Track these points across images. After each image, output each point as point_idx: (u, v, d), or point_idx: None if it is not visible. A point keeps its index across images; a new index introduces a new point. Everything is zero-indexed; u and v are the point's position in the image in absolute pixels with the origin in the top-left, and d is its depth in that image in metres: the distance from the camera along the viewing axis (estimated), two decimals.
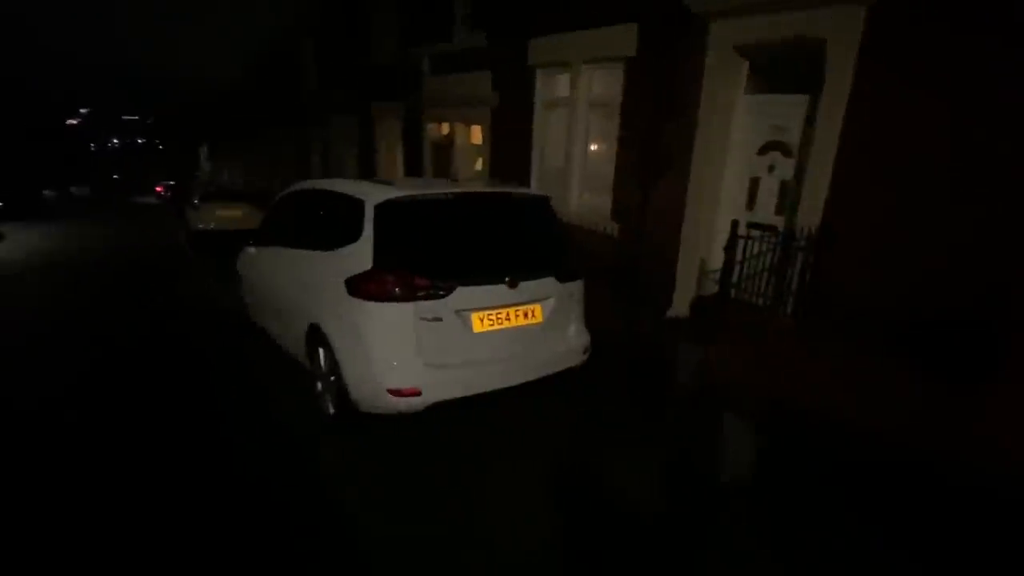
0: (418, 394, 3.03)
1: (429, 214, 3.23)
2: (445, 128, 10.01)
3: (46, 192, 26.97)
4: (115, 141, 75.79)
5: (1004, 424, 3.10)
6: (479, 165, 9.17)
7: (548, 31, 6.96)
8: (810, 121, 4.68)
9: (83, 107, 63.82)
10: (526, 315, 3.39)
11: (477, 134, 9.17)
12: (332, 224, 3.57)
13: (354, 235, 3.22)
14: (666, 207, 5.75)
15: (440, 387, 3.10)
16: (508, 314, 3.32)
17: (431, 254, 3.16)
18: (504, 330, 3.31)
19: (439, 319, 3.09)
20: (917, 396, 3.42)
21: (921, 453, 3.07)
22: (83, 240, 14.07)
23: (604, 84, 6.55)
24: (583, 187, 7.08)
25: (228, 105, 28.52)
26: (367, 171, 12.92)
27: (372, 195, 3.24)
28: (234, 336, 5.41)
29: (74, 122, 64.31)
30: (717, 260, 5.59)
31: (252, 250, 5.04)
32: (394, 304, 3.01)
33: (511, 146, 8.08)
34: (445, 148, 10.01)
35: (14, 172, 24.60)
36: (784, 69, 4.94)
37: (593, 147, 6.89)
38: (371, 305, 3.04)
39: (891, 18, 3.91)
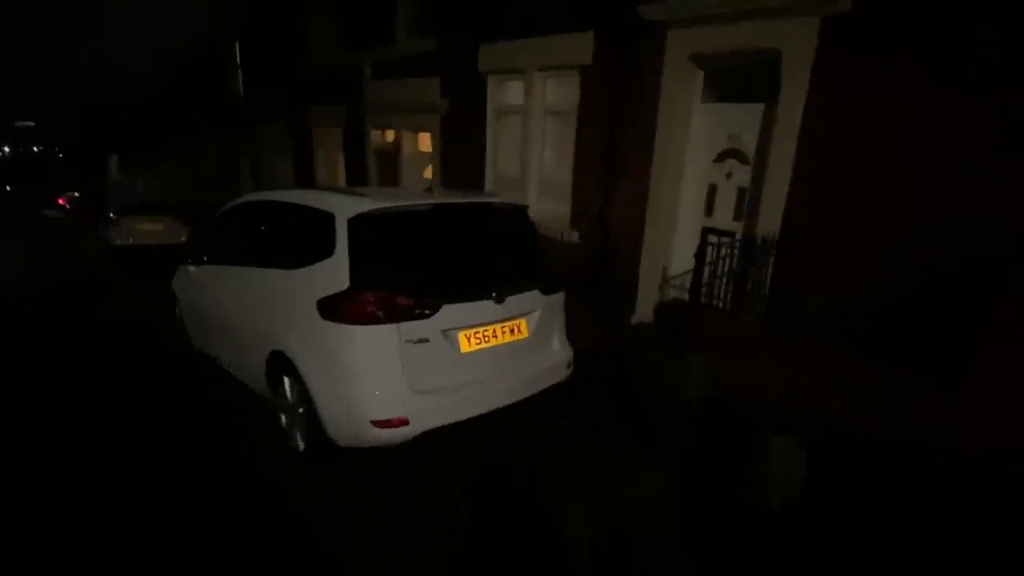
0: (406, 423, 2.79)
1: (407, 227, 3.00)
2: (391, 135, 9.68)
3: None
4: (6, 149, 68.59)
5: (965, 415, 3.26)
6: (428, 173, 8.91)
7: (499, 37, 6.85)
8: (766, 129, 4.83)
9: None
10: (512, 331, 3.23)
11: (425, 141, 8.91)
12: (296, 240, 3.26)
13: (325, 252, 2.94)
14: (627, 214, 5.76)
15: (429, 414, 2.87)
16: (495, 331, 3.15)
17: (412, 270, 2.94)
18: (491, 348, 3.13)
19: (425, 340, 2.87)
20: (897, 394, 3.54)
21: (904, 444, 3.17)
22: None
23: (559, 91, 6.51)
24: (540, 195, 7.01)
25: (142, 111, 26.51)
26: (305, 180, 12.29)
27: (344, 207, 2.97)
28: (173, 365, 4.89)
29: None
30: (678, 265, 5.68)
31: (192, 268, 4.57)
32: (376, 327, 2.76)
33: (463, 154, 7.89)
34: (391, 156, 9.67)
35: None
36: (739, 78, 5.07)
37: (550, 154, 6.84)
38: (350, 329, 2.78)
39: (843, 29, 4.08)
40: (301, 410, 3.13)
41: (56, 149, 62.72)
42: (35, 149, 68.37)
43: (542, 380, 3.39)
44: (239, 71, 15.21)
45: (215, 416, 3.90)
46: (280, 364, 3.23)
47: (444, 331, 2.94)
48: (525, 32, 6.48)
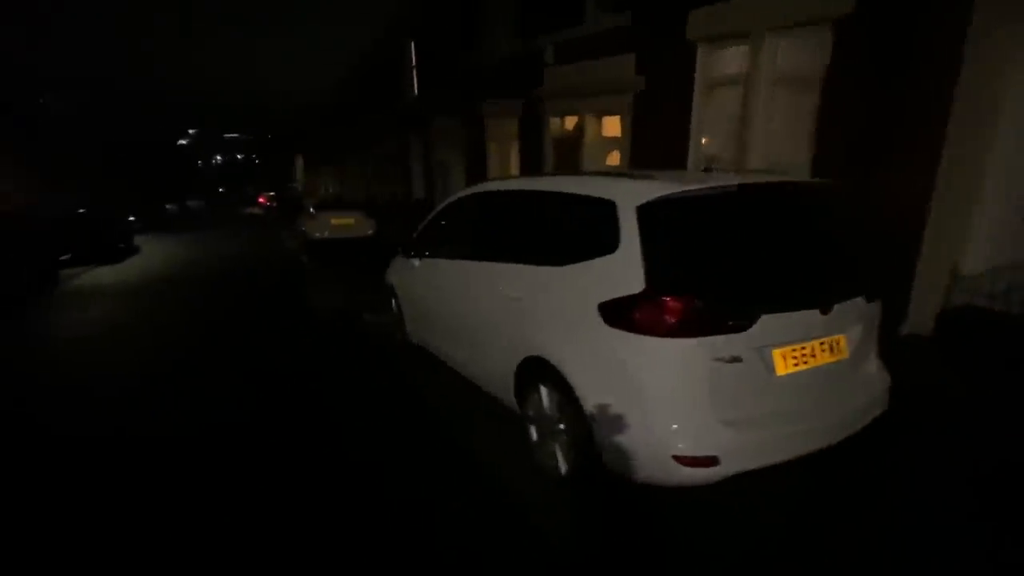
0: (716, 463, 2.22)
1: (709, 215, 2.40)
2: (571, 122, 9.23)
3: (168, 207, 29.11)
4: (218, 158, 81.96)
5: None
6: (614, 159, 8.31)
7: None
8: None
9: (192, 128, 69.25)
10: (831, 349, 2.50)
11: (612, 125, 8.30)
12: (561, 233, 2.85)
13: (605, 247, 2.46)
14: (901, 200, 4.60)
15: (742, 453, 2.27)
16: (813, 349, 2.44)
17: (720, 269, 2.34)
18: (809, 371, 2.43)
19: (737, 359, 2.26)
20: None
21: None
22: (209, 250, 14.62)
23: (796, 54, 5.47)
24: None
25: (324, 116, 29.50)
26: (477, 173, 12.41)
27: (628, 194, 2.47)
28: (392, 359, 4.89)
29: (184, 142, 70.03)
30: (975, 263, 4.42)
31: (415, 262, 4.47)
32: (681, 340, 2.22)
33: (659, 136, 7.13)
34: (571, 143, 9.22)
35: (142, 190, 26.72)
36: None
37: (778, 130, 5.82)
38: (645, 341, 2.26)
39: None
40: (562, 426, 2.72)
41: (254, 156, 73.53)
42: (238, 156, 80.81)
43: (865, 414, 2.61)
44: (414, 70, 15.91)
45: (448, 417, 3.71)
46: (535, 372, 2.86)
47: (758, 348, 2.31)
48: None
